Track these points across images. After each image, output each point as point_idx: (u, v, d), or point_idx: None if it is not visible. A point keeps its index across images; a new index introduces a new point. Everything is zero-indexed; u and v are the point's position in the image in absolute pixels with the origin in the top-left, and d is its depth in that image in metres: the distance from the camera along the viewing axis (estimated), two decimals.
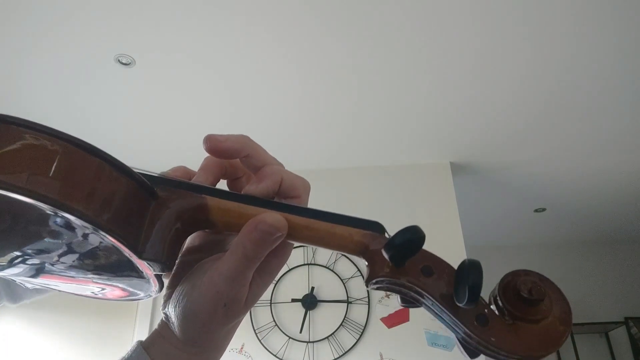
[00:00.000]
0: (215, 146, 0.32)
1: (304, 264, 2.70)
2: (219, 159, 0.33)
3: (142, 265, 0.28)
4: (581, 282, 4.32)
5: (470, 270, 0.27)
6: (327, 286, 2.66)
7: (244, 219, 0.29)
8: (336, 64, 2.13)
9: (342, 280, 2.64)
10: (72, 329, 2.87)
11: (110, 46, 2.01)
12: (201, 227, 0.31)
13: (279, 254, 0.33)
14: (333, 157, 2.87)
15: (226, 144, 0.32)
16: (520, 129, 2.61)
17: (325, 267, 2.68)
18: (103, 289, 0.35)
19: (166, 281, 0.34)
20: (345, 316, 2.57)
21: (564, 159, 2.92)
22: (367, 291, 2.61)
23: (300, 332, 2.55)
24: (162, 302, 0.34)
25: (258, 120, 2.55)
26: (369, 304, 2.58)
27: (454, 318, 0.28)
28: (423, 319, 2.51)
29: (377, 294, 2.60)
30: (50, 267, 0.30)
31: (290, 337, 2.55)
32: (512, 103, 2.39)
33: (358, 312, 2.58)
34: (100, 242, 0.27)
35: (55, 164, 0.24)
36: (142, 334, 2.66)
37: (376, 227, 0.31)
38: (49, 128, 0.26)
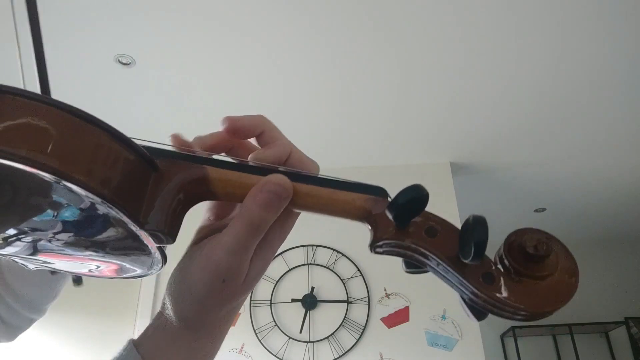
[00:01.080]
0: (233, 125, 0.32)
1: (304, 264, 2.70)
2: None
3: (144, 236, 0.27)
4: (581, 282, 4.17)
5: (476, 225, 0.27)
6: (327, 286, 2.66)
7: (246, 188, 0.29)
8: (336, 65, 2.13)
9: (342, 280, 2.64)
10: (72, 329, 2.87)
11: (110, 46, 2.01)
12: (203, 198, 0.30)
13: (283, 224, 0.32)
14: (333, 158, 2.87)
15: (243, 121, 0.33)
16: (520, 129, 2.60)
17: (325, 267, 2.68)
18: (99, 267, 0.34)
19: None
20: (345, 316, 2.57)
21: (564, 159, 2.92)
22: (367, 291, 2.61)
23: (300, 332, 2.55)
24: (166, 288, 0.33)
25: None
26: (369, 304, 2.58)
27: (460, 277, 0.28)
28: (423, 319, 2.51)
29: (377, 294, 2.60)
30: (48, 244, 0.30)
31: (290, 337, 2.54)
32: (513, 103, 2.39)
33: (358, 312, 2.58)
34: (102, 213, 0.27)
35: (55, 133, 0.24)
36: (144, 322, 2.66)
37: (379, 192, 0.31)
38: (48, 97, 0.25)
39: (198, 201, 0.30)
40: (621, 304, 4.19)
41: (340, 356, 2.49)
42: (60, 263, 0.34)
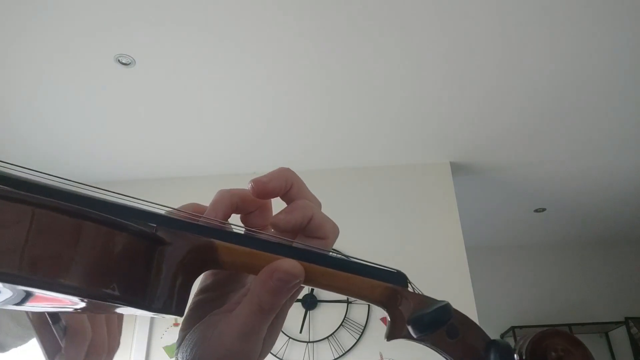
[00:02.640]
0: (262, 189, 0.31)
1: None
2: (229, 194, 0.32)
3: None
4: (581, 282, 4.32)
5: (503, 356, 0.27)
6: None
7: (256, 262, 0.28)
8: (336, 65, 2.13)
9: None
10: None
11: (110, 46, 2.01)
12: (210, 268, 0.29)
13: (293, 295, 0.31)
14: (333, 158, 2.87)
15: (271, 184, 0.31)
16: (520, 129, 2.60)
17: None
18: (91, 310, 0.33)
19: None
20: (345, 316, 2.57)
21: (564, 159, 2.92)
22: None
23: (300, 332, 2.55)
24: (176, 346, 0.33)
25: (258, 121, 2.55)
26: (369, 304, 2.58)
27: None
28: None
29: None
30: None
31: (290, 337, 2.54)
32: (513, 103, 2.39)
33: (358, 312, 2.58)
34: None
35: (40, 238, 0.21)
36: (142, 335, 2.66)
37: (399, 280, 0.30)
38: (28, 195, 0.22)
39: (204, 271, 0.29)
40: (621, 304, 4.19)
41: (340, 356, 2.49)
42: (48, 308, 0.32)
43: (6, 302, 0.27)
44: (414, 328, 0.28)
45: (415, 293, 0.30)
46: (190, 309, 0.33)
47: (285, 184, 0.31)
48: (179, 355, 0.31)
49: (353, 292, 0.30)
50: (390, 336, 0.29)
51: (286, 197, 0.32)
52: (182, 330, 0.33)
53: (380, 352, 2.48)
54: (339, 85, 2.27)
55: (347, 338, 2.53)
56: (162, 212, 0.29)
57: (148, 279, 0.25)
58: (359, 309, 2.59)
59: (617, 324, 4.05)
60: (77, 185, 0.27)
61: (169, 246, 0.27)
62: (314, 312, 2.61)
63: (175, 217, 0.29)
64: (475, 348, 0.28)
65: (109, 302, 0.23)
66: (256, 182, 0.31)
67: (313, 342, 2.54)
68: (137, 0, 1.79)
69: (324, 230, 0.31)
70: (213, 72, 2.18)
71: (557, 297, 4.25)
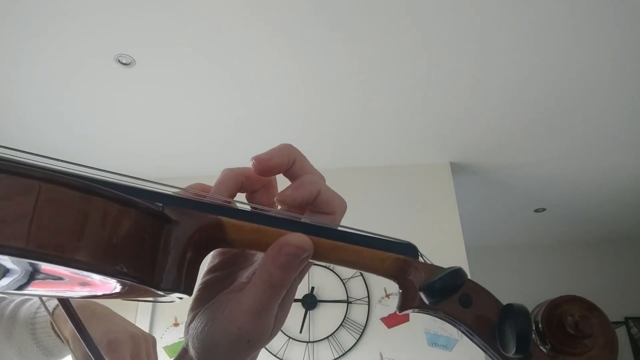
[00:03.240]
0: (264, 166, 0.30)
1: None
2: (233, 173, 0.32)
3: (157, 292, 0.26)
4: (581, 282, 4.32)
5: (518, 316, 0.26)
6: (327, 286, 2.66)
7: (264, 238, 0.28)
8: (337, 66, 2.13)
9: (342, 280, 2.64)
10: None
11: (110, 46, 2.01)
12: (218, 247, 0.29)
13: (302, 271, 0.31)
14: (333, 158, 2.87)
15: (273, 161, 0.31)
16: (520, 129, 2.61)
17: (325, 267, 2.68)
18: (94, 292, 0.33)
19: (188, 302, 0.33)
20: (345, 316, 2.57)
21: (564, 159, 2.92)
22: (367, 291, 2.61)
23: (300, 332, 2.56)
24: (185, 325, 0.32)
25: (259, 121, 2.55)
26: (369, 304, 2.58)
27: (494, 352, 0.27)
28: (423, 319, 2.51)
29: (377, 294, 2.60)
30: (41, 275, 0.28)
31: (290, 337, 2.55)
32: (513, 103, 2.39)
33: (358, 312, 2.58)
34: None
35: (50, 212, 0.21)
36: None
37: (409, 250, 0.30)
38: (22, 166, 0.22)
39: (212, 250, 0.29)
40: (621, 304, 4.19)
41: (340, 356, 2.49)
42: (49, 292, 0.32)
43: (13, 283, 0.27)
44: (426, 294, 0.27)
45: (426, 263, 0.30)
46: (199, 289, 0.33)
47: (287, 160, 0.31)
48: (189, 335, 0.31)
49: (363, 265, 0.29)
50: (402, 307, 0.29)
51: (289, 173, 0.32)
52: (191, 310, 0.32)
53: (380, 352, 2.48)
54: (338, 86, 2.27)
55: (347, 338, 2.53)
56: (169, 192, 0.28)
57: (156, 258, 0.25)
58: (359, 309, 2.59)
59: (617, 324, 4.05)
60: (84, 170, 0.27)
61: (177, 225, 0.26)
62: (314, 312, 2.61)
63: (181, 195, 0.28)
64: (490, 316, 0.28)
65: (117, 278, 0.23)
66: (258, 160, 0.30)
67: (313, 342, 2.54)
68: (137, 0, 1.79)
69: (331, 205, 0.31)
70: (213, 72, 2.18)
71: (556, 296, 4.24)
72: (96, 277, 0.24)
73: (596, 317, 0.28)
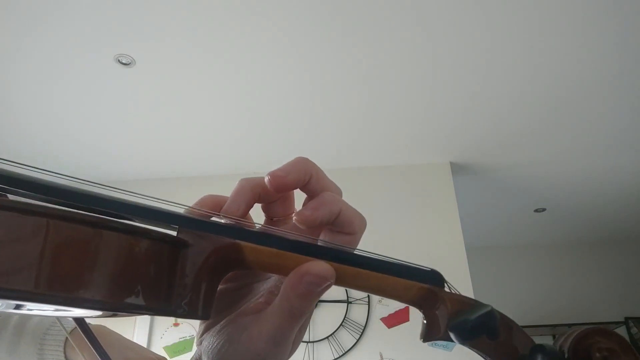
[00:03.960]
0: (280, 183, 0.29)
1: None
2: (250, 185, 0.30)
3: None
4: (581, 282, 4.32)
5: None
6: None
7: (284, 262, 0.27)
8: (337, 66, 2.13)
9: None
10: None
11: (110, 46, 2.01)
12: (235, 269, 0.28)
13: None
14: (334, 158, 2.87)
15: (290, 177, 0.29)
16: (520, 129, 2.61)
17: None
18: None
19: None
20: (345, 316, 2.57)
21: (564, 159, 2.92)
22: None
23: None
24: (197, 336, 0.32)
25: (259, 121, 2.55)
26: (369, 304, 2.58)
27: None
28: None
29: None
30: None
31: None
32: (513, 103, 2.39)
33: (358, 312, 2.58)
34: None
35: (60, 251, 0.20)
36: (142, 335, 2.66)
37: (435, 279, 0.29)
38: (42, 207, 0.20)
39: (228, 273, 0.28)
40: (621, 304, 4.19)
41: (340, 356, 2.49)
42: (47, 311, 0.32)
43: (6, 306, 0.26)
44: (456, 334, 0.27)
45: (452, 293, 0.29)
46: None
47: (303, 176, 0.30)
48: (204, 349, 0.30)
49: (386, 292, 0.28)
50: (426, 338, 0.28)
51: (306, 188, 0.30)
52: (202, 322, 0.32)
53: (380, 352, 2.48)
54: (338, 86, 2.27)
55: (347, 338, 2.53)
56: (182, 211, 0.27)
57: (173, 286, 0.24)
58: (359, 309, 2.59)
59: (617, 324, 4.05)
60: (91, 185, 0.26)
61: (193, 248, 0.25)
62: (313, 312, 2.61)
63: (196, 217, 0.27)
64: (516, 349, 0.27)
65: (133, 312, 0.22)
66: (273, 177, 0.29)
67: (313, 342, 2.54)
68: (137, 0, 1.79)
69: (352, 226, 0.30)
70: (214, 72, 2.18)
71: (557, 297, 4.25)
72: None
73: (626, 355, 0.27)
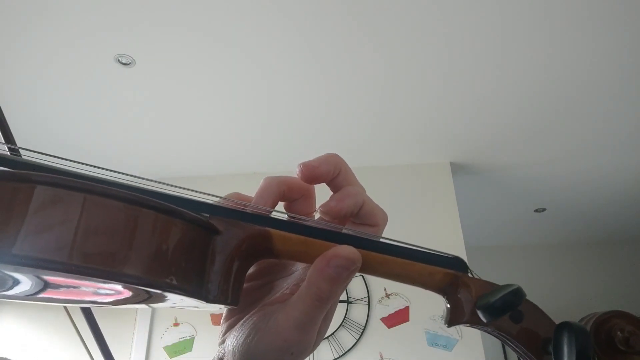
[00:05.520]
0: (312, 173, 0.30)
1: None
2: (276, 182, 0.31)
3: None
4: (581, 282, 4.33)
5: (579, 335, 0.26)
6: None
7: (311, 250, 0.27)
8: (337, 66, 2.13)
9: None
10: (71, 330, 2.87)
11: (110, 46, 2.01)
12: (264, 258, 0.29)
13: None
14: None
15: (321, 169, 0.30)
16: (520, 129, 2.61)
17: None
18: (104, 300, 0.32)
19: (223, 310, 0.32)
20: (345, 316, 2.57)
21: (564, 159, 2.92)
22: (367, 291, 2.61)
23: None
24: (219, 336, 0.32)
25: (259, 121, 2.55)
26: (369, 304, 2.58)
27: None
28: (423, 319, 2.51)
29: (377, 294, 2.60)
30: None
31: None
32: (513, 103, 2.39)
33: (358, 312, 2.58)
34: None
35: (99, 226, 0.21)
36: (142, 335, 2.66)
37: (459, 265, 0.29)
38: (72, 179, 0.21)
39: (257, 260, 0.29)
40: (621, 304, 4.19)
41: (340, 356, 2.49)
42: (58, 299, 0.31)
43: (21, 293, 0.26)
44: (484, 313, 0.27)
45: (477, 279, 0.29)
46: None
47: (333, 170, 0.31)
48: (226, 345, 0.30)
49: (411, 278, 0.29)
50: (451, 322, 0.29)
51: (332, 183, 0.31)
52: (226, 319, 0.32)
53: (380, 352, 2.48)
54: (338, 86, 2.27)
55: (347, 338, 2.53)
56: (213, 202, 0.28)
57: (204, 269, 0.25)
58: (359, 309, 2.59)
59: None
60: (124, 178, 0.26)
61: (224, 235, 0.26)
62: None
63: (227, 206, 0.28)
64: (540, 331, 0.28)
65: (167, 291, 0.22)
66: (306, 166, 0.30)
67: None
68: (137, 0, 1.79)
69: (374, 217, 0.30)
70: (214, 72, 2.18)
71: (556, 296, 4.25)
72: (136, 289, 0.23)
73: None
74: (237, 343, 0.29)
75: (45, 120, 2.51)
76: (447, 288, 0.29)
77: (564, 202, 3.54)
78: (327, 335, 2.50)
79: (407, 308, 2.55)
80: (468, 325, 0.29)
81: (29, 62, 2.10)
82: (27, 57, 2.06)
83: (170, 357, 2.61)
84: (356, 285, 2.63)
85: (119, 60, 2.09)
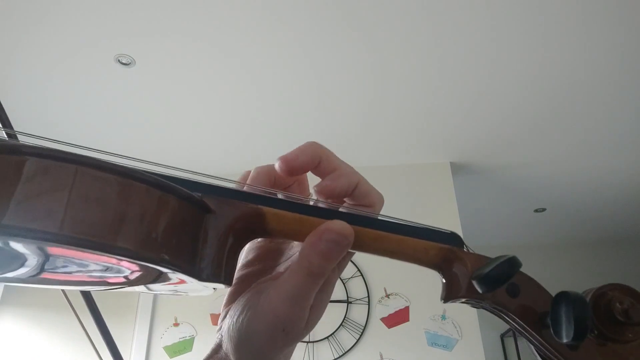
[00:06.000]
0: (290, 166, 0.30)
1: None
2: (265, 170, 0.32)
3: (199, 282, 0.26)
4: (581, 282, 4.31)
5: (576, 303, 0.25)
6: None
7: (305, 228, 0.27)
8: (337, 67, 2.13)
9: (342, 280, 2.64)
10: (72, 329, 2.87)
11: (110, 46, 2.01)
12: (258, 237, 0.29)
13: (340, 263, 0.30)
14: None
15: (299, 160, 0.30)
16: (520, 129, 2.60)
17: None
18: (99, 283, 0.32)
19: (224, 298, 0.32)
20: (345, 316, 2.57)
21: (564, 159, 2.92)
22: (367, 291, 2.61)
23: None
24: (219, 322, 0.32)
25: (258, 121, 2.55)
26: (369, 304, 2.58)
27: (542, 341, 0.27)
28: (423, 319, 2.51)
29: (377, 294, 2.60)
30: (50, 267, 0.27)
31: None
32: (513, 103, 2.39)
33: (358, 312, 2.58)
34: None
35: (90, 197, 0.21)
36: (142, 334, 2.66)
37: (454, 240, 0.29)
38: (67, 153, 0.21)
39: (251, 240, 0.29)
40: None
41: (340, 356, 2.49)
42: (55, 283, 0.31)
43: (25, 274, 0.26)
44: (480, 283, 0.27)
45: (472, 253, 0.29)
46: (235, 284, 0.32)
47: (312, 159, 0.30)
48: (223, 328, 0.30)
49: (406, 254, 0.29)
50: (447, 298, 0.28)
51: (318, 171, 0.31)
52: (225, 305, 0.32)
53: (380, 352, 2.48)
54: (339, 86, 2.27)
55: (347, 338, 2.53)
56: (207, 182, 0.28)
57: (197, 247, 0.25)
58: (359, 309, 2.59)
59: None
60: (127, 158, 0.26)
61: (216, 214, 0.26)
62: None
63: (219, 185, 0.28)
64: (538, 304, 0.27)
65: (160, 266, 0.22)
66: (283, 160, 0.30)
67: (313, 342, 2.54)
68: (137, 0, 1.79)
69: (370, 197, 0.30)
70: (214, 72, 2.18)
71: None
72: (130, 266, 0.23)
73: None
74: (231, 322, 0.29)
75: (45, 120, 2.51)
76: (442, 263, 0.29)
77: (564, 202, 3.54)
78: (327, 335, 2.51)
79: (407, 308, 2.55)
80: (465, 301, 0.28)
81: (29, 62, 2.10)
82: (27, 57, 2.06)
83: (170, 357, 2.60)
84: (356, 285, 2.63)
85: (119, 60, 2.09)
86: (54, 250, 0.22)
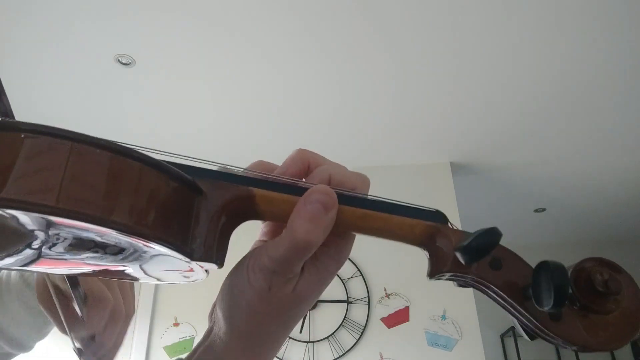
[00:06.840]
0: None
1: None
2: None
3: (190, 263, 0.26)
4: None
5: (554, 271, 0.26)
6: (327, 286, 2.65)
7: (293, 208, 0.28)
8: (335, 66, 2.13)
9: (342, 280, 2.64)
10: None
11: (110, 46, 2.01)
12: (249, 218, 0.29)
13: (338, 247, 0.31)
14: (333, 158, 2.86)
15: (289, 172, 0.31)
16: (520, 129, 2.60)
17: None
18: (96, 270, 0.32)
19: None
20: (345, 316, 2.57)
21: (564, 159, 2.92)
22: (367, 291, 2.61)
23: (300, 332, 2.55)
24: (210, 311, 0.32)
25: (258, 121, 2.55)
26: (369, 304, 2.58)
27: (525, 313, 0.27)
28: (423, 319, 2.51)
29: (377, 294, 2.60)
30: (48, 252, 0.27)
31: (290, 337, 2.54)
32: (513, 104, 2.39)
33: (358, 312, 2.58)
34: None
35: (86, 172, 0.21)
36: (142, 335, 2.66)
37: (438, 217, 0.30)
38: (63, 130, 0.22)
39: (243, 221, 0.29)
40: None
41: (340, 356, 2.49)
42: (51, 269, 0.31)
43: (19, 261, 0.26)
44: (463, 253, 0.27)
45: (456, 229, 0.29)
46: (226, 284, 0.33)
47: (301, 166, 0.31)
48: (217, 310, 0.31)
49: (393, 232, 0.29)
50: (432, 273, 0.29)
51: (310, 176, 0.32)
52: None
53: (380, 352, 2.48)
54: (339, 86, 2.27)
55: (347, 338, 2.53)
56: (199, 166, 0.28)
57: (189, 226, 0.25)
58: (359, 309, 2.59)
59: None
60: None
61: (208, 195, 0.27)
62: (314, 312, 2.61)
63: (211, 169, 0.29)
64: (520, 277, 0.28)
65: (154, 242, 0.23)
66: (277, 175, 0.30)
67: (313, 342, 2.54)
68: (137, 0, 1.79)
69: (347, 184, 0.31)
70: (213, 72, 2.18)
71: None
72: (127, 240, 0.23)
73: (622, 276, 0.28)
74: (219, 302, 0.30)
75: (45, 120, 2.50)
76: (428, 240, 0.29)
77: (564, 202, 3.54)
78: (327, 335, 2.51)
79: (407, 308, 2.55)
80: (450, 277, 0.29)
81: (29, 62, 2.10)
82: (27, 57, 2.06)
83: (170, 357, 2.60)
84: (356, 285, 2.63)
85: (119, 60, 2.09)
86: (52, 229, 0.22)
